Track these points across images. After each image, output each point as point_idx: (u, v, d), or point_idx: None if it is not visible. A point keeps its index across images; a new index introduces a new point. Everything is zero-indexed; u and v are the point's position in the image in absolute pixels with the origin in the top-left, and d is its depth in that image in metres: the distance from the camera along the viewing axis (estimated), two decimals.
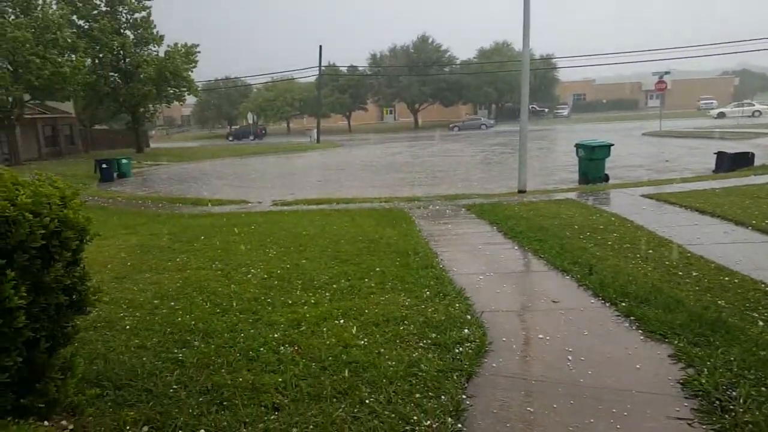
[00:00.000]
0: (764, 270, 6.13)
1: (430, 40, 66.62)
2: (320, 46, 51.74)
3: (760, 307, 5.00)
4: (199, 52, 39.36)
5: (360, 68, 69.22)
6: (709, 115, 53.86)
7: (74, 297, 3.11)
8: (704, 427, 3.27)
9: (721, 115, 53.17)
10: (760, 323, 4.64)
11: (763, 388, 3.56)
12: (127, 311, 5.49)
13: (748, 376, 3.72)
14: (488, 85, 64.23)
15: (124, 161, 25.45)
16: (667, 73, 37.87)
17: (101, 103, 39.60)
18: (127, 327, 5.03)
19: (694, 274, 6.06)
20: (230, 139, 62.48)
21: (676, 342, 4.33)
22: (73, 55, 31.65)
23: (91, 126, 48.13)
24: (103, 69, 36.84)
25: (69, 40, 31.11)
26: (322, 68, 55.23)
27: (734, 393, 3.53)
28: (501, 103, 71.12)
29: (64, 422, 3.28)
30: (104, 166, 23.93)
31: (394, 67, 65.25)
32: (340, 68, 68.71)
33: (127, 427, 3.34)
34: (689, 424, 3.30)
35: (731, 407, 3.38)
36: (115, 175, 24.35)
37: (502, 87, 64.32)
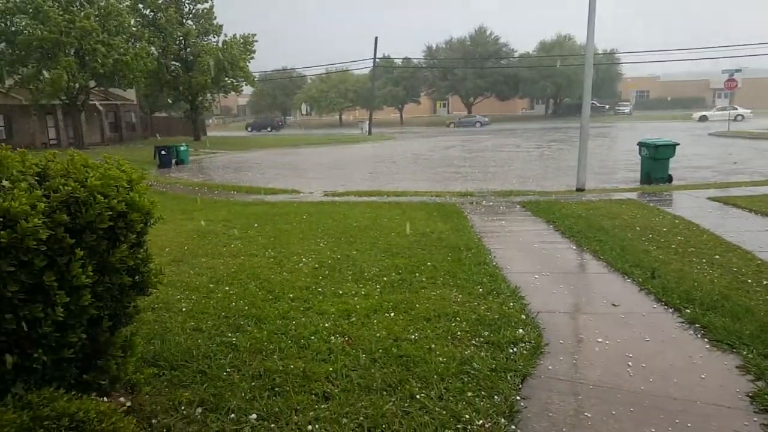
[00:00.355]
0: None
1: (487, 32, 65.61)
2: (376, 38, 51.87)
3: None
4: (256, 41, 40.15)
5: (415, 60, 68.97)
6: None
7: (137, 278, 3.19)
8: None
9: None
10: None
11: None
12: (183, 294, 5.64)
13: None
14: (546, 79, 62.60)
15: (182, 148, 26.14)
16: (738, 70, 35.78)
17: (162, 91, 41.11)
18: (183, 309, 5.16)
19: (765, 282, 5.73)
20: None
21: (744, 353, 4.13)
22: (137, 43, 32.89)
23: (151, 113, 50.03)
24: (165, 58, 38.13)
25: (134, 29, 32.36)
26: (377, 60, 55.30)
27: None
28: (559, 98, 69.25)
29: (122, 399, 3.39)
30: (163, 152, 24.68)
31: (449, 60, 64.60)
32: (395, 60, 68.67)
33: (182, 407, 3.42)
34: None
35: None
36: (173, 161, 25.09)
37: (561, 82, 62.54)
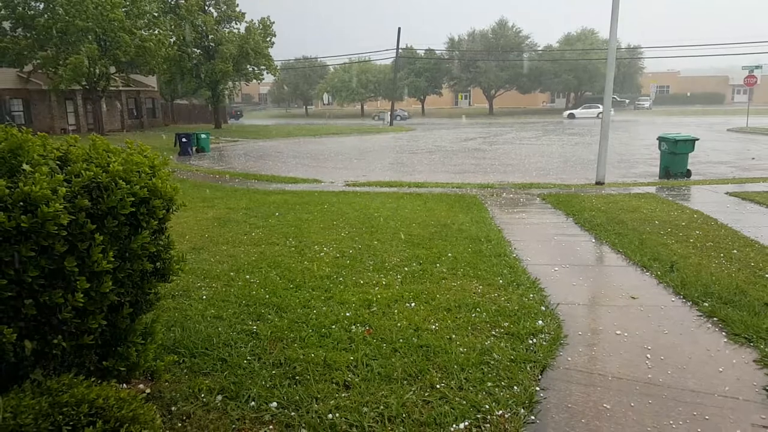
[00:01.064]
0: None
1: (509, 25, 64.85)
2: (399, 29, 51.72)
3: None
4: (274, 22, 40.07)
5: (437, 52, 68.48)
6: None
7: (158, 265, 3.17)
8: None
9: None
10: None
11: None
12: (204, 282, 5.65)
13: None
14: (568, 72, 61.91)
15: (203, 136, 26.21)
16: (758, 67, 34.99)
17: (183, 79, 41.32)
18: (204, 297, 5.17)
19: None
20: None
21: (762, 347, 4.13)
22: (158, 30, 32.98)
23: (172, 100, 50.43)
24: (186, 45, 38.31)
25: (155, 14, 32.45)
26: (400, 51, 54.95)
27: None
28: (580, 91, 68.33)
29: (141, 386, 3.40)
30: (184, 140, 24.75)
31: (471, 52, 64.04)
32: (418, 51, 68.24)
33: (202, 395, 3.41)
34: None
35: None
36: (193, 149, 25.18)
37: (582, 75, 61.81)
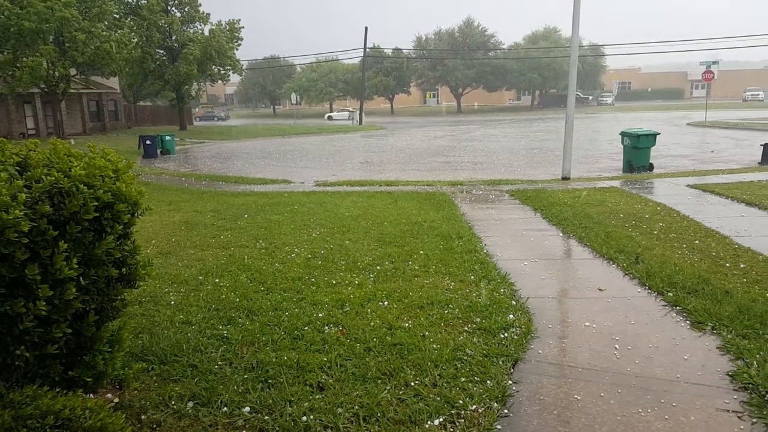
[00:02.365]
0: None
1: (475, 24, 65.50)
2: (366, 28, 51.47)
3: None
4: (242, 27, 39.63)
5: (405, 51, 68.72)
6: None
7: (124, 270, 3.10)
8: (754, 420, 3.18)
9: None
10: None
11: None
12: (171, 287, 5.55)
13: None
14: (533, 71, 62.88)
15: (167, 138, 25.71)
16: (715, 63, 36.32)
17: (146, 80, 40.46)
18: (172, 302, 5.07)
19: (742, 266, 5.90)
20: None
21: (724, 333, 4.27)
22: (119, 31, 32.21)
23: (135, 102, 49.31)
24: (149, 46, 37.52)
25: (116, 16, 31.64)
26: (367, 50, 54.90)
27: None
28: (545, 89, 69.54)
29: (109, 395, 3.32)
30: (148, 142, 24.24)
31: (438, 51, 64.48)
32: (385, 50, 68.32)
33: (173, 402, 3.35)
34: (739, 417, 3.21)
35: None
36: (158, 151, 24.69)
37: (547, 73, 62.85)
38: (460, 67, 63.33)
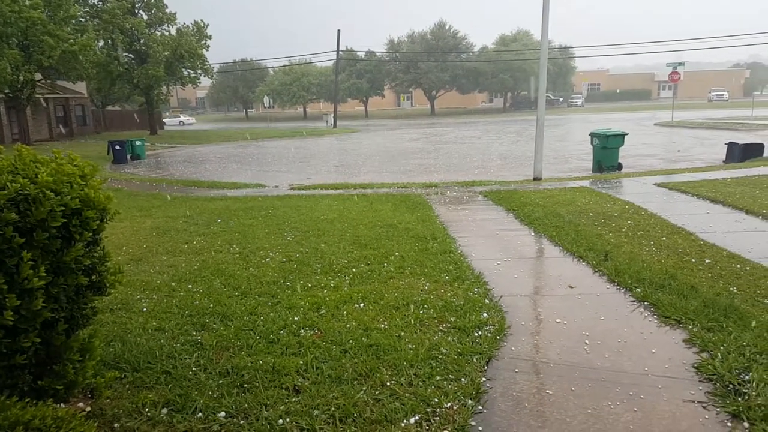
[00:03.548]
0: None
1: (447, 26, 65.98)
2: (338, 31, 51.34)
3: None
4: (208, 24, 39.17)
5: (378, 54, 68.79)
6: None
7: (94, 278, 3.06)
8: (718, 409, 3.28)
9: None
10: None
11: None
12: (143, 294, 5.47)
13: (761, 360, 3.77)
14: (505, 73, 63.62)
15: (137, 143, 25.32)
16: (681, 64, 37.40)
17: (114, 84, 39.67)
18: (144, 309, 5.00)
19: (707, 261, 6.08)
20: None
21: (690, 327, 4.39)
22: (85, 35, 31.52)
23: (103, 107, 48.35)
24: (116, 49, 36.81)
25: (81, 19, 30.95)
26: (340, 53, 54.84)
27: (747, 377, 3.56)
28: (517, 91, 70.42)
29: (81, 404, 3.26)
30: (117, 147, 23.80)
31: (411, 53, 64.76)
32: (358, 53, 68.30)
33: (146, 409, 3.31)
34: (704, 407, 3.32)
35: (744, 390, 3.42)
36: (128, 156, 24.28)
37: (518, 75, 63.65)
38: (434, 70, 63.71)
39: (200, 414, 3.27)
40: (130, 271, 6.17)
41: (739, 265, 5.87)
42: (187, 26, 38.85)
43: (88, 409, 3.24)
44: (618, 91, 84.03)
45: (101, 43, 34.48)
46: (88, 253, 2.97)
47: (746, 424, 3.10)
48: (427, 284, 5.51)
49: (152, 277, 6.05)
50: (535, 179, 13.41)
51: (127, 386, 3.60)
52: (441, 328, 4.44)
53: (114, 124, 47.83)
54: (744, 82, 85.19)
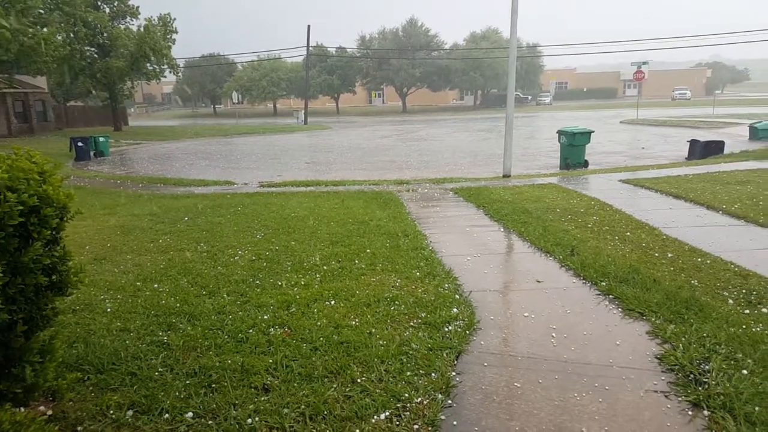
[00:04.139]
0: (734, 251, 6.39)
1: (419, 24, 66.11)
2: (308, 26, 50.99)
3: (730, 286, 5.20)
4: (175, 19, 38.36)
5: (349, 50, 68.49)
6: None
7: (54, 278, 2.96)
8: (679, 399, 3.38)
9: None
10: (730, 301, 4.83)
11: (733, 362, 3.72)
12: (107, 294, 5.34)
13: (720, 350, 3.89)
14: (475, 71, 64.08)
15: (101, 139, 24.62)
16: (645, 63, 38.31)
17: (76, 79, 38.49)
18: (109, 310, 4.88)
19: (670, 255, 6.25)
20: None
21: (653, 319, 4.50)
22: (45, 28, 30.48)
23: (65, 102, 46.94)
24: (78, 43, 35.72)
25: (41, 11, 29.93)
26: (311, 49, 54.44)
27: (707, 367, 3.67)
28: (487, 89, 71.09)
29: (42, 408, 3.17)
30: (80, 144, 23.08)
31: (382, 50, 64.70)
32: (329, 49, 67.87)
33: (111, 411, 3.24)
34: (666, 396, 3.41)
35: (704, 380, 3.53)
36: (91, 153, 23.62)
37: (488, 73, 64.23)
38: (405, 67, 63.80)
39: (167, 415, 3.21)
40: (93, 271, 6.02)
41: (700, 259, 6.05)
42: (153, 20, 37.95)
43: (50, 412, 3.15)
44: (585, 89, 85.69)
45: (62, 35, 33.36)
46: (48, 252, 2.88)
47: (706, 412, 3.20)
48: (399, 281, 5.52)
49: (117, 276, 5.91)
50: (504, 176, 13.58)
51: (91, 388, 3.51)
52: (412, 323, 4.46)
53: (76, 120, 46.51)
54: (706, 81, 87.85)
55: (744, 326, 4.24)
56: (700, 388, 3.43)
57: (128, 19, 38.95)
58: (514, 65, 13.39)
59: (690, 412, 3.22)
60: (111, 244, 7.41)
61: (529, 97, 73.03)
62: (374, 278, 5.62)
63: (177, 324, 4.52)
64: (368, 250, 6.65)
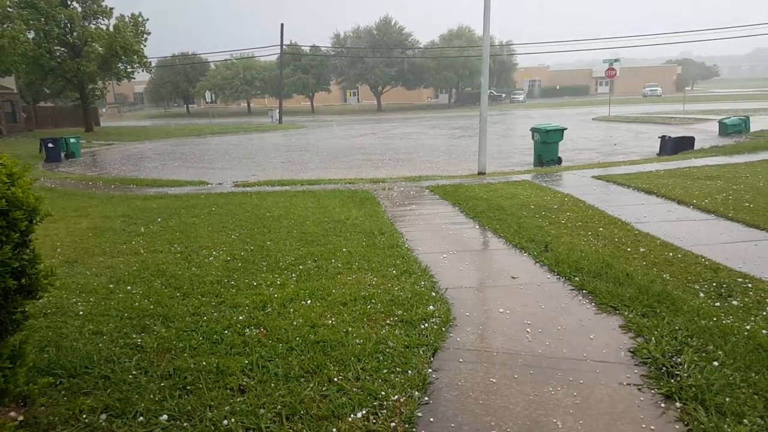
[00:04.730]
0: (704, 245, 6.52)
1: (393, 22, 66.17)
2: (282, 24, 50.69)
3: (701, 280, 5.30)
4: (147, 19, 37.79)
5: (323, 49, 68.22)
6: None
7: (24, 281, 2.91)
8: (652, 391, 3.42)
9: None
10: (701, 295, 4.93)
11: (704, 354, 3.78)
12: (79, 296, 5.25)
13: (691, 343, 3.95)
14: (449, 69, 64.41)
15: (72, 140, 24.16)
16: (616, 60, 38.99)
17: (46, 79, 37.62)
18: (81, 313, 4.80)
19: (642, 250, 6.36)
20: None
21: (626, 313, 4.56)
22: (11, 25, 29.64)
23: (35, 103, 45.85)
24: (48, 42, 34.88)
25: (9, 9, 29.14)
26: (285, 47, 54.07)
27: (679, 359, 3.73)
28: (461, 87, 71.55)
29: (13, 413, 3.11)
30: (50, 145, 22.63)
31: (357, 49, 64.60)
32: (303, 48, 67.49)
33: (84, 416, 3.19)
34: (639, 389, 3.46)
35: (676, 372, 3.58)
36: (62, 155, 23.17)
37: (462, 72, 64.65)
38: (379, 65, 63.83)
39: (141, 418, 3.18)
40: (64, 274, 5.91)
41: (671, 253, 6.17)
42: (124, 19, 37.26)
43: (21, 418, 3.09)
44: (558, 87, 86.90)
45: (32, 34, 32.52)
46: (17, 255, 2.83)
47: (678, 404, 3.26)
48: (375, 279, 5.54)
49: (89, 279, 5.81)
50: (479, 174, 13.68)
51: (63, 393, 3.45)
52: (388, 321, 4.48)
53: (47, 121, 45.47)
54: (676, 78, 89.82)
55: (715, 319, 4.32)
56: (672, 381, 3.48)
57: (101, 18, 38.15)
58: (488, 64, 13.55)
59: (663, 404, 3.28)
60: (83, 247, 7.28)
61: (503, 95, 73.73)
62: (351, 277, 5.62)
63: (151, 326, 4.47)
64: (344, 249, 6.65)
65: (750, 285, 5.08)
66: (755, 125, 22.61)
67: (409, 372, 3.65)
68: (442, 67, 64.46)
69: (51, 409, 3.26)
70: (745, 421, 3.04)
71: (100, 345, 4.11)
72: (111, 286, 5.54)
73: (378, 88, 68.26)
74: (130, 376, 3.64)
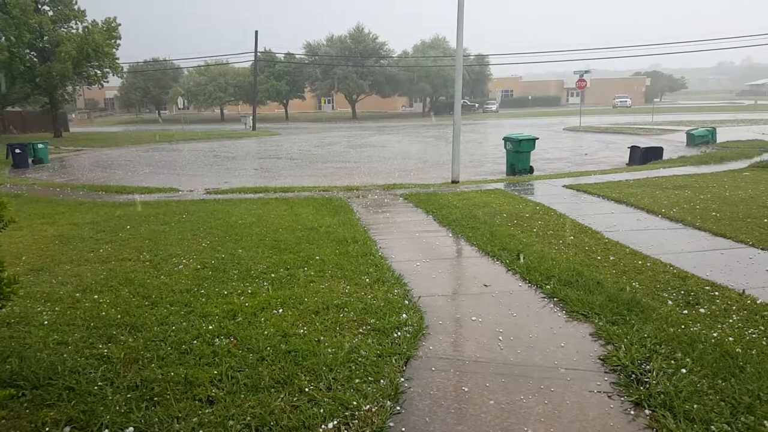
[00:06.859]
0: (672, 254, 6.64)
1: (365, 31, 66.40)
2: (256, 32, 50.35)
3: (670, 288, 5.39)
4: (119, 25, 37.23)
5: (297, 56, 68.05)
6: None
7: None
8: (622, 398, 3.46)
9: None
10: (670, 302, 5.00)
11: (672, 362, 3.83)
12: (44, 305, 5.11)
13: (660, 350, 4.00)
14: (423, 79, 64.91)
15: (40, 146, 23.66)
16: (587, 72, 39.81)
17: (14, 84, 36.68)
18: (45, 322, 4.68)
19: (612, 258, 6.45)
20: None
21: (596, 321, 4.61)
22: None
23: (2, 108, 44.59)
24: (18, 47, 34.03)
25: None
26: (258, 54, 53.77)
27: (648, 366, 3.78)
28: (436, 96, 72.18)
29: None
30: (18, 151, 22.17)
31: (330, 57, 64.61)
32: (277, 55, 67.20)
33: (47, 429, 3.11)
34: (609, 397, 3.50)
35: (645, 380, 3.62)
36: (30, 161, 22.70)
37: (436, 81, 65.22)
38: (352, 75, 63.91)
39: (106, 430, 3.10)
40: (29, 282, 5.75)
41: (640, 262, 6.26)
42: (96, 23, 36.60)
43: None
44: (530, 97, 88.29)
45: (2, 39, 31.68)
46: None
47: (647, 411, 3.30)
48: (348, 287, 5.52)
49: (54, 287, 5.66)
50: (453, 182, 13.77)
51: (26, 405, 3.36)
52: (361, 330, 4.46)
53: (14, 126, 44.27)
54: (645, 89, 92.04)
55: (683, 326, 4.38)
56: (641, 388, 3.52)
57: (73, 22, 37.41)
58: (461, 75, 13.69)
59: (632, 412, 3.31)
60: (49, 254, 7.09)
61: (476, 105, 74.56)
62: (323, 285, 5.59)
63: (118, 336, 4.37)
64: (317, 257, 6.61)
65: (717, 293, 5.19)
66: (721, 136, 23.30)
67: (382, 381, 3.63)
68: (417, 76, 64.92)
69: (12, 421, 3.16)
70: (712, 427, 3.09)
71: (65, 355, 4.00)
72: (77, 294, 5.40)
73: (353, 96, 68.34)
74: (96, 388, 3.54)
